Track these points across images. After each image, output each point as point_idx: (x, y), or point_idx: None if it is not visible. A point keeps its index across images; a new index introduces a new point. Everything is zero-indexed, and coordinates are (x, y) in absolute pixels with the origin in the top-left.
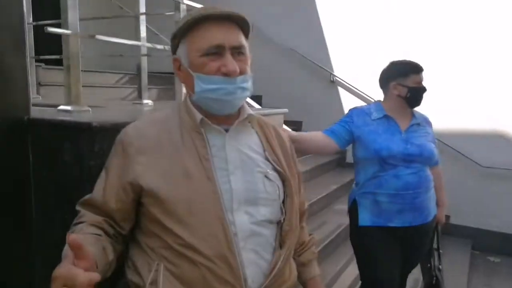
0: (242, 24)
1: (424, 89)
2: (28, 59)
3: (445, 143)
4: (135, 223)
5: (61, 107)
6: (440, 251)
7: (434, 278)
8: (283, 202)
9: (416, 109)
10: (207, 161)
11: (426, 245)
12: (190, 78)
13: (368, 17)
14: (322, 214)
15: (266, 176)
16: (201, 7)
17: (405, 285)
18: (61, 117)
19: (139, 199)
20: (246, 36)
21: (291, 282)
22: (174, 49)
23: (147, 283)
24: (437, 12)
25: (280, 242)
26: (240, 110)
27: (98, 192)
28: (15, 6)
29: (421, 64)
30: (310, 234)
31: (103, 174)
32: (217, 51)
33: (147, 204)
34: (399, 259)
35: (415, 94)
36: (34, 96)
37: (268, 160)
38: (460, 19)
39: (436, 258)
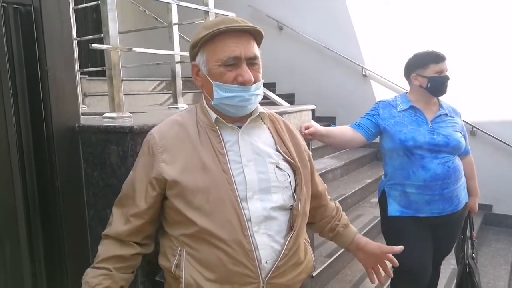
0: (256, 35)
1: (446, 78)
2: (76, 73)
3: (485, 132)
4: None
5: (106, 114)
6: (475, 240)
7: (467, 266)
8: (294, 189)
9: (451, 98)
10: (222, 155)
11: (457, 233)
12: (208, 85)
13: (397, 8)
14: (358, 206)
15: (277, 166)
16: (219, 18)
17: (438, 273)
18: (107, 123)
19: (164, 192)
20: (259, 45)
21: (307, 265)
22: (193, 56)
23: (172, 266)
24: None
25: (291, 225)
26: None
27: (128, 188)
28: (65, 26)
29: (444, 54)
30: (335, 204)
31: (131, 173)
32: (234, 62)
33: (170, 196)
34: (430, 248)
35: (435, 84)
36: (81, 106)
37: (279, 152)
38: (501, 7)
39: (470, 247)
